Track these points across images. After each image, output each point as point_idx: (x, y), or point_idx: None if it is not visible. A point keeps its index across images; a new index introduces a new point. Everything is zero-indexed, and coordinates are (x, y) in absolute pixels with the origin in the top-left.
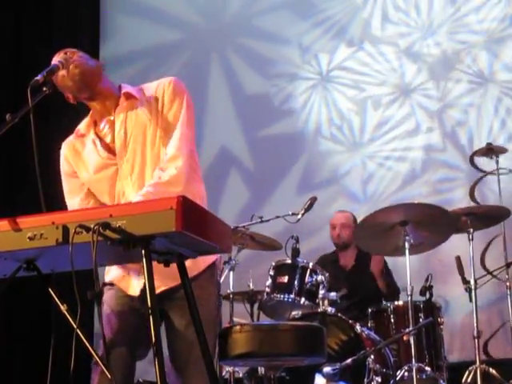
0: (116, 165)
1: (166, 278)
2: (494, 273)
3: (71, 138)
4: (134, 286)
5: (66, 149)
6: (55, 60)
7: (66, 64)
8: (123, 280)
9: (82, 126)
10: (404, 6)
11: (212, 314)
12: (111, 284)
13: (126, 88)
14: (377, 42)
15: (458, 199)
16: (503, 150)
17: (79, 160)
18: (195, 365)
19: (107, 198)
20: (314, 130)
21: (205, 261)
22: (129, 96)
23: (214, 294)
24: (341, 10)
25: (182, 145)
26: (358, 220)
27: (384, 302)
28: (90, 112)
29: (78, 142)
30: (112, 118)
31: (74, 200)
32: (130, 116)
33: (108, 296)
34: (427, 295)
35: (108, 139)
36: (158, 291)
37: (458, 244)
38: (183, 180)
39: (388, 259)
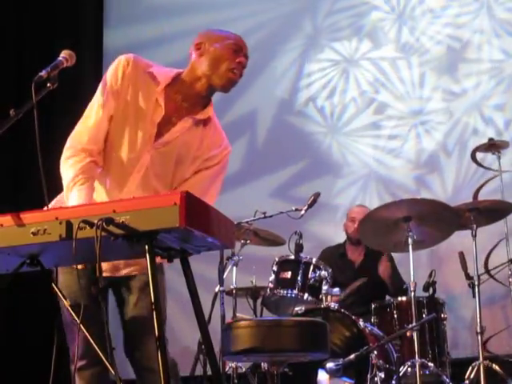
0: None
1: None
2: (497, 269)
3: (145, 67)
4: None
5: (130, 68)
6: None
7: None
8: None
9: (163, 78)
10: None
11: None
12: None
13: (211, 111)
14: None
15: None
16: (505, 145)
17: (132, 92)
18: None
19: (124, 155)
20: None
21: None
22: (205, 121)
23: None
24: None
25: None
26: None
27: (387, 298)
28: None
29: (146, 79)
30: (181, 112)
31: (97, 116)
32: (191, 132)
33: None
34: (430, 291)
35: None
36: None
37: (461, 240)
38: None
39: (392, 255)
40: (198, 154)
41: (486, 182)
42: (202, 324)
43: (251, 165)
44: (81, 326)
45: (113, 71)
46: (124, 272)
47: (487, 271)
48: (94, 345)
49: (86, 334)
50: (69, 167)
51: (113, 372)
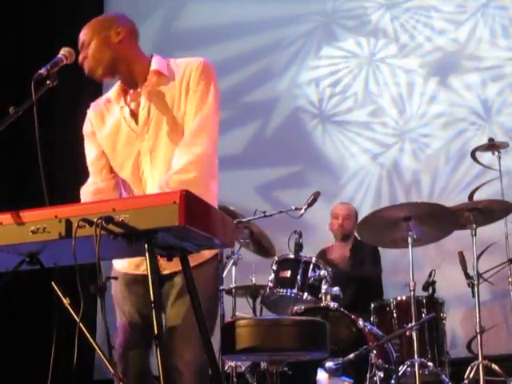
0: (139, 139)
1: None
2: (496, 269)
3: (99, 101)
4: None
5: (92, 111)
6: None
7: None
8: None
9: (112, 93)
10: None
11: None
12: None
13: (156, 63)
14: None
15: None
16: (505, 145)
17: (102, 126)
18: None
19: (127, 171)
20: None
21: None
22: (158, 73)
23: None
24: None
25: (203, 133)
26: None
27: (386, 298)
28: (119, 79)
29: (105, 108)
30: (139, 90)
31: (89, 157)
32: (156, 94)
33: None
34: (430, 290)
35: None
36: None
37: (461, 240)
38: (200, 167)
39: (390, 255)
40: (178, 99)
41: (482, 184)
42: (201, 323)
43: (253, 150)
44: (80, 324)
45: (83, 130)
46: (166, 272)
47: (479, 275)
48: (91, 339)
49: (86, 333)
50: (81, 197)
51: (111, 370)
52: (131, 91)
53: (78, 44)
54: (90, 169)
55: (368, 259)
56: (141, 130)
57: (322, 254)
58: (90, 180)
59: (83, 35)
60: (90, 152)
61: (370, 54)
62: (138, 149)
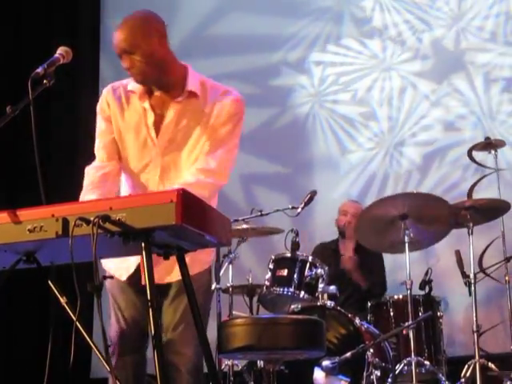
0: (151, 151)
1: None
2: (494, 267)
3: (119, 88)
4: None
5: (110, 94)
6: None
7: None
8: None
9: (137, 87)
10: None
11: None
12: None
13: (191, 83)
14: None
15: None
16: (502, 144)
17: (120, 115)
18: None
19: (133, 170)
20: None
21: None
22: (192, 95)
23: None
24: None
25: (225, 166)
26: None
27: (384, 296)
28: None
29: (125, 98)
30: (167, 102)
31: (102, 139)
32: (184, 114)
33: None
34: (427, 289)
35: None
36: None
37: (457, 238)
38: (213, 193)
39: (387, 253)
40: (204, 126)
41: (480, 179)
42: (198, 321)
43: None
44: (77, 323)
45: (98, 106)
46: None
47: (482, 270)
48: (87, 338)
49: (83, 331)
50: (85, 176)
51: (108, 369)
52: (157, 94)
53: (115, 47)
54: (101, 151)
55: (376, 269)
56: (160, 144)
57: (319, 250)
58: (97, 164)
59: (124, 41)
60: (105, 135)
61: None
62: (150, 158)
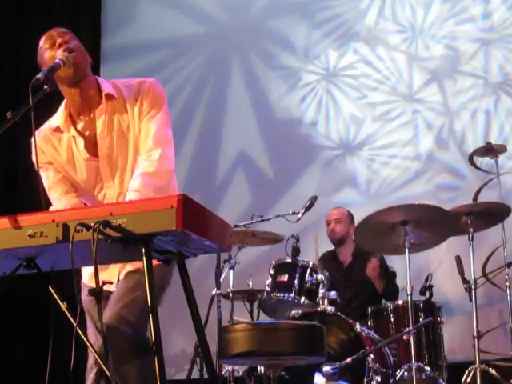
0: (98, 167)
1: None
2: (494, 273)
3: (46, 131)
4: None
5: (40, 141)
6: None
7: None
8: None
9: (60, 121)
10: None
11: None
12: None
13: (105, 86)
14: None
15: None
16: (503, 149)
17: (57, 155)
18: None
19: (88, 189)
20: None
21: None
22: (109, 97)
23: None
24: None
25: (158, 140)
26: (359, 219)
27: (384, 302)
28: (64, 103)
29: (54, 138)
30: (92, 115)
31: (52, 183)
32: (112, 119)
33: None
34: (427, 295)
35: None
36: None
37: (458, 244)
38: (166, 171)
39: (388, 259)
40: (133, 121)
41: (486, 183)
42: (199, 327)
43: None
44: (77, 329)
45: (33, 159)
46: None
47: (485, 275)
48: (88, 343)
49: (83, 337)
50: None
51: (108, 373)
52: (81, 117)
53: (51, 36)
54: (56, 193)
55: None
56: (102, 156)
57: (326, 257)
58: (59, 204)
59: (60, 32)
60: (53, 178)
61: None
62: (99, 175)
